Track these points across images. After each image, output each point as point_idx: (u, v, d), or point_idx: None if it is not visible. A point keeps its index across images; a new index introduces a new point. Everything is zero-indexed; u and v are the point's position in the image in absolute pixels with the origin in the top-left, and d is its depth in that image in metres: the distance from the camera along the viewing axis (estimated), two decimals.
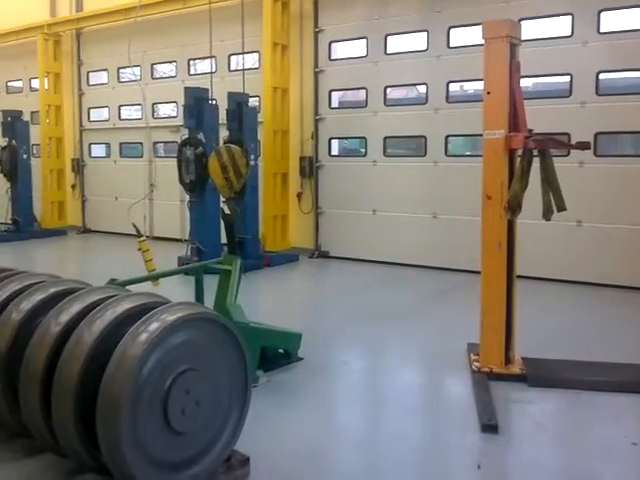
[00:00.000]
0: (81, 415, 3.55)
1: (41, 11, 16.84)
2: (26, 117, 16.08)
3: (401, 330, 7.63)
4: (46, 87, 16.51)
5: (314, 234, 12.53)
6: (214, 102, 11.06)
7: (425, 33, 11.07)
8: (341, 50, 12.21)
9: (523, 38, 5.95)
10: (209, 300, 5.88)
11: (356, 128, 11.99)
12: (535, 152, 5.58)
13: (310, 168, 12.42)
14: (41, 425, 3.81)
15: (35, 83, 17.25)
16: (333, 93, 12.33)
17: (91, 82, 16.51)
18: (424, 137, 11.19)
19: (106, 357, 3.49)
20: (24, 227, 15.59)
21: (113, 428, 3.35)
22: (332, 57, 12.22)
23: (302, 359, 6.32)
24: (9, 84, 18.50)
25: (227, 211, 7.16)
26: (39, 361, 3.77)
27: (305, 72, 12.44)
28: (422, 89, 11.41)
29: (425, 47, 11.09)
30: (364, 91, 11.82)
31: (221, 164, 9.91)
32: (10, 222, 15.76)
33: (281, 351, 6.33)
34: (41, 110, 16.53)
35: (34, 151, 16.53)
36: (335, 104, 12.42)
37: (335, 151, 12.58)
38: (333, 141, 12.48)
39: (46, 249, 14.43)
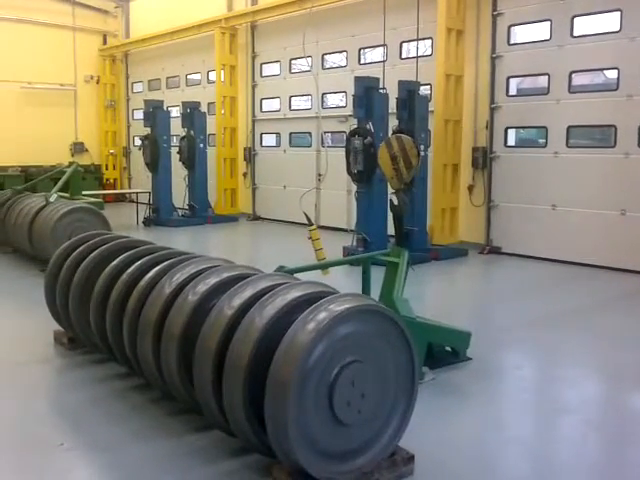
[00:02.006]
0: (250, 396, 3.67)
1: (219, 6, 17.61)
2: (203, 108, 16.91)
3: (580, 335, 7.11)
4: (222, 79, 17.22)
5: (485, 228, 11.99)
6: (384, 91, 10.88)
7: (618, 13, 10.13)
8: (521, 34, 11.54)
9: None
10: (375, 292, 5.72)
11: (536, 117, 11.28)
12: None
13: (483, 159, 11.89)
14: (212, 402, 3.96)
15: (212, 76, 18.08)
16: (511, 80, 11.69)
17: (264, 73, 17.01)
18: (614, 126, 10.27)
19: (275, 342, 3.59)
20: (199, 213, 16.42)
21: (280, 412, 3.44)
22: (511, 41, 11.58)
23: (471, 359, 6.07)
24: (189, 77, 19.57)
25: (396, 202, 6.98)
26: (212, 341, 3.93)
27: (481, 58, 11.92)
28: (611, 74, 10.46)
29: (618, 28, 10.15)
30: (546, 77, 11.08)
31: (391, 155, 9.71)
32: (187, 207, 16.67)
33: (448, 349, 6.10)
34: (217, 101, 17.30)
35: (210, 140, 17.33)
36: (513, 91, 11.77)
37: (511, 141, 11.92)
38: (510, 131, 11.83)
39: (219, 234, 15.11)
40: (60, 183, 11.70)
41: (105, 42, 22.54)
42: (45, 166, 19.55)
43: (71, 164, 13.10)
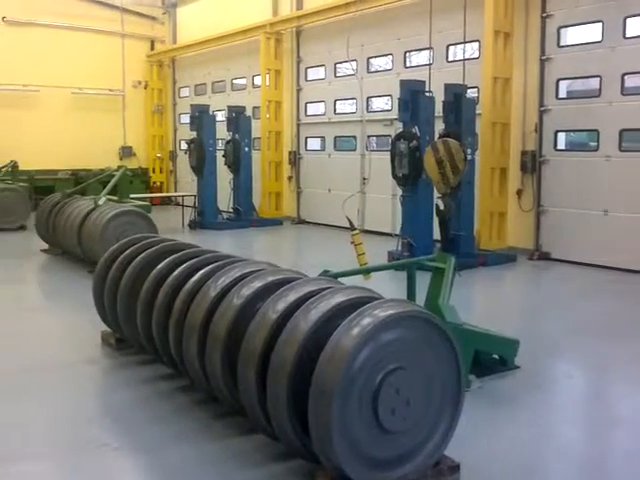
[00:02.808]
0: (294, 400, 3.67)
1: (264, 11, 17.72)
2: (248, 112, 17.00)
3: (632, 344, 6.89)
4: (267, 84, 17.33)
5: (534, 234, 11.71)
6: (430, 94, 10.77)
7: None
8: (571, 36, 11.29)
9: None
10: (420, 298, 5.65)
11: (587, 120, 11.00)
12: None
13: (532, 163, 11.63)
14: (256, 405, 3.97)
15: (257, 80, 18.22)
16: (561, 82, 11.42)
17: (309, 78, 17.04)
18: None
19: (319, 346, 3.58)
20: (244, 216, 16.50)
21: (324, 417, 3.43)
22: (561, 44, 11.32)
23: (519, 367, 5.92)
24: (234, 81, 19.74)
25: (442, 207, 6.91)
26: (257, 344, 3.95)
27: (530, 60, 11.69)
28: None
29: None
30: (597, 79, 10.80)
31: (437, 159, 9.63)
32: (232, 211, 16.79)
33: (496, 357, 5.99)
34: (262, 105, 17.40)
35: (254, 144, 17.43)
36: (563, 94, 11.50)
37: (561, 145, 11.65)
38: (560, 134, 11.57)
39: (263, 237, 15.17)
40: (109, 186, 11.89)
41: (153, 48, 22.93)
42: (94, 170, 19.96)
43: (120, 168, 13.33)
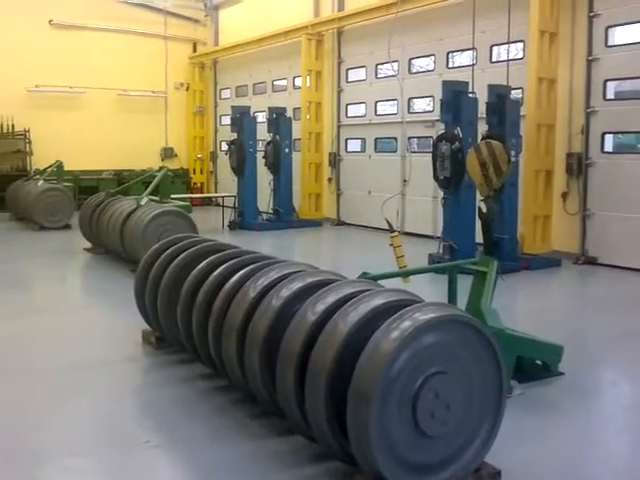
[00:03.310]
0: (332, 402, 3.66)
1: (305, 12, 17.75)
2: (289, 113, 17.03)
3: None
4: (308, 85, 17.37)
5: (580, 238, 11.45)
6: (473, 95, 10.63)
7: None
8: (620, 35, 11.01)
9: None
10: (461, 302, 5.56)
11: (636, 121, 10.71)
12: None
13: (578, 166, 11.38)
14: (294, 406, 3.97)
15: (298, 81, 18.27)
16: (608, 83, 11.15)
17: (350, 79, 17.00)
18: None
19: (358, 349, 3.54)
20: (284, 217, 16.52)
21: (362, 420, 3.39)
22: (609, 43, 11.05)
23: (563, 374, 5.79)
24: (275, 83, 19.83)
25: (484, 209, 6.80)
26: (296, 346, 3.94)
27: (576, 61, 11.43)
28: None
29: None
30: None
31: (480, 161, 9.44)
32: (272, 212, 16.86)
33: (539, 363, 5.87)
34: (303, 107, 17.44)
35: (295, 145, 17.45)
36: (610, 95, 11.23)
37: (609, 147, 11.37)
38: (607, 136, 11.29)
39: (303, 239, 15.19)
40: (151, 187, 12.03)
41: (195, 50, 23.17)
42: (137, 170, 20.29)
43: (161, 168, 13.48)
